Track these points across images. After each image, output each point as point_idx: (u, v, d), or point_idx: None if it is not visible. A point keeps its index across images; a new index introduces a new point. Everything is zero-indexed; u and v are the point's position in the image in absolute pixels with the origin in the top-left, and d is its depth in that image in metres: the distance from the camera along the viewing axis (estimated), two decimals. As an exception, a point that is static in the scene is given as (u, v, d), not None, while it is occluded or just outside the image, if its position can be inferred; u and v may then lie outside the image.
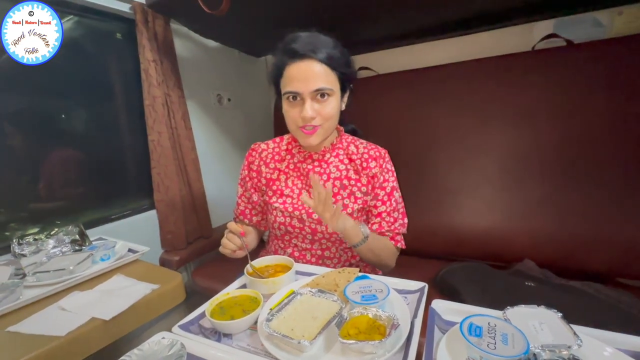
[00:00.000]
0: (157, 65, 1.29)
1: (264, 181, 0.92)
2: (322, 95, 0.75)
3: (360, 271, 0.72)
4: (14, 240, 0.95)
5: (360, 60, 1.57)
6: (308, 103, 0.75)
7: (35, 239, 1.01)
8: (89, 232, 1.13)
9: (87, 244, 1.05)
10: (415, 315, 0.57)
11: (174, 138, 1.38)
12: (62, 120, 1.23)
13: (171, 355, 0.49)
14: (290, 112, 0.79)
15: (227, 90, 1.77)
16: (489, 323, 0.48)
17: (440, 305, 0.60)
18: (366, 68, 1.63)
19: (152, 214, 1.40)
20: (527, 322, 0.50)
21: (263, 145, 0.95)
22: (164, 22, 1.31)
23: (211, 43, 1.64)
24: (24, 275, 0.85)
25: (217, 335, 0.59)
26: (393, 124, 1.44)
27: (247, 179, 0.95)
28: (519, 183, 1.23)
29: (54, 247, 0.98)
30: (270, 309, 0.60)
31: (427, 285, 0.66)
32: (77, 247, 1.02)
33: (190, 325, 0.60)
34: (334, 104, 0.78)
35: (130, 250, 1.04)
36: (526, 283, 0.98)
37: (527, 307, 0.54)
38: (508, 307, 0.54)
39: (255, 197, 0.94)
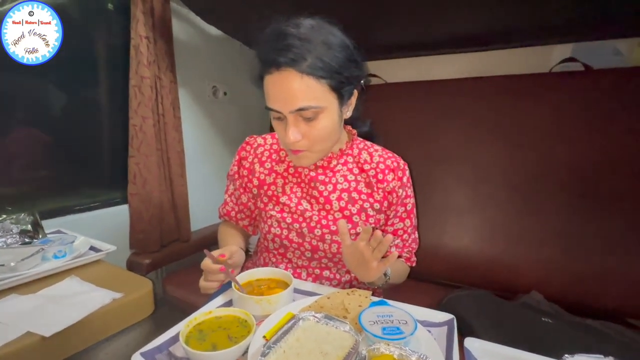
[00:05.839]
0: (150, 43, 1.16)
1: (255, 182, 0.78)
2: (308, 117, 0.61)
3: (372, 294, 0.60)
4: (-54, 226, 0.78)
5: (368, 67, 1.49)
6: (291, 126, 0.61)
7: (-25, 226, 0.84)
8: (46, 222, 0.96)
9: (40, 236, 0.88)
10: (449, 358, 0.45)
11: (159, 126, 1.23)
12: (31, 94, 1.06)
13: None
14: (277, 129, 0.66)
15: (224, 83, 1.64)
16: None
17: (476, 346, 0.49)
18: (374, 75, 1.55)
19: (123, 208, 1.24)
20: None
21: (260, 140, 0.81)
22: (163, -2, 1.19)
23: (212, 30, 1.52)
24: (-50, 269, 0.68)
25: (192, 368, 0.45)
26: (398, 136, 1.34)
27: (237, 176, 0.81)
28: (530, 208, 1.15)
29: (-3, 237, 0.81)
30: (265, 337, 0.47)
31: (455, 318, 0.55)
32: (26, 240, 0.86)
33: (157, 353, 0.46)
34: (326, 123, 0.62)
35: (92, 248, 0.88)
36: (543, 319, 0.89)
37: (591, 357, 0.43)
38: (567, 355, 0.43)
39: (244, 199, 0.81)
